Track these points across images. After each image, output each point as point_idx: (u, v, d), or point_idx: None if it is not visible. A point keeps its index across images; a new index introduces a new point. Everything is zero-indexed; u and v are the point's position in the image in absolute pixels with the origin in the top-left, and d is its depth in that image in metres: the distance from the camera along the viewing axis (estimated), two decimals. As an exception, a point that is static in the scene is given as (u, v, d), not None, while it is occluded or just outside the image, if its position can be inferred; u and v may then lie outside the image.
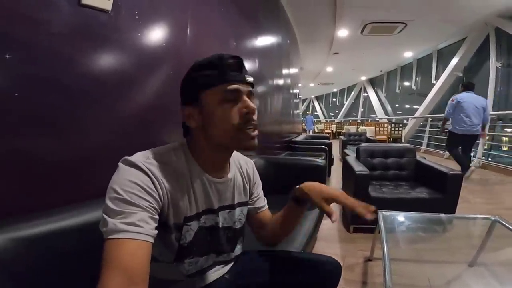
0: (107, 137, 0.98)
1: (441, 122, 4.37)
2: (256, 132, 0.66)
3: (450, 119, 4.04)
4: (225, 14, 1.97)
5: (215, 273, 0.77)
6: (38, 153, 0.76)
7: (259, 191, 0.87)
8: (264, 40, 3.21)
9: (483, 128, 3.99)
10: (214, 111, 0.62)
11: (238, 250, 0.84)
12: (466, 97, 3.91)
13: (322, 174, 2.11)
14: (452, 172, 2.16)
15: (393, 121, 11.06)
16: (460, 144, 4.01)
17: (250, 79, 0.66)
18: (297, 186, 0.78)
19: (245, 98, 0.64)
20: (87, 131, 0.91)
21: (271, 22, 3.66)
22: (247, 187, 0.81)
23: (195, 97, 0.64)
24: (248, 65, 0.65)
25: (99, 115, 0.95)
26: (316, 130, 14.93)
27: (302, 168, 2.19)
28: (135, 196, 0.54)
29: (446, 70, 8.27)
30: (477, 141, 4.48)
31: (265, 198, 0.90)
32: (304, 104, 24.65)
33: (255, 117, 0.65)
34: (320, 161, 2.14)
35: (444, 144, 5.55)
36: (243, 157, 0.85)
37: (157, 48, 1.22)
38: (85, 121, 0.90)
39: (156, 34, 1.21)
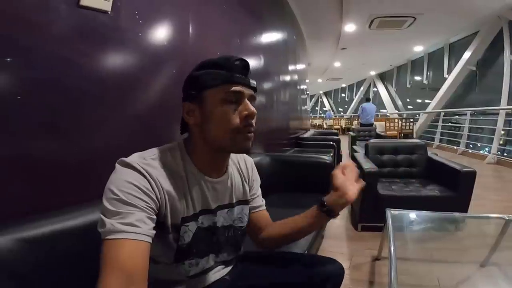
0: (111, 138, 0.98)
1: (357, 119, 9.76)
2: (252, 135, 0.66)
3: (360, 116, 7.92)
4: (228, 11, 1.95)
5: (216, 274, 0.77)
6: (42, 155, 0.77)
7: (256, 190, 0.85)
8: (269, 37, 3.18)
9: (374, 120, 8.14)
10: (214, 110, 0.62)
11: (239, 250, 0.83)
12: (367, 105, 7.81)
13: (328, 171, 2.07)
14: (465, 169, 2.07)
15: (404, 116, 10.86)
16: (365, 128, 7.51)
17: (253, 83, 0.67)
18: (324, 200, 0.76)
19: (247, 101, 0.64)
20: (91, 132, 0.91)
21: (276, 19, 3.62)
22: (246, 185, 0.80)
23: (197, 94, 0.64)
24: (253, 62, 0.66)
25: (103, 117, 0.95)
26: (325, 126, 14.83)
27: (309, 165, 2.16)
28: (132, 196, 0.54)
29: (458, 64, 8.05)
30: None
31: (263, 199, 0.88)
32: (313, 100, 24.46)
33: (253, 121, 0.65)
34: (327, 158, 2.11)
35: (458, 139, 7.26)
36: (241, 155, 0.83)
37: (159, 47, 1.21)
38: (89, 123, 0.90)
39: (157, 34, 1.20)
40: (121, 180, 0.55)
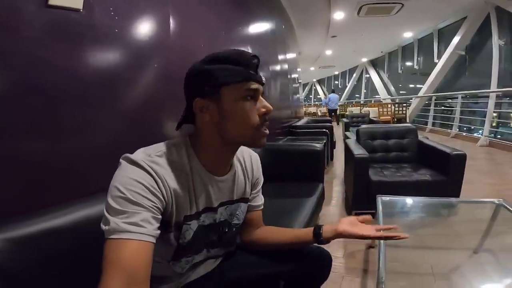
0: (95, 136, 0.96)
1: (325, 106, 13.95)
2: (267, 131, 0.67)
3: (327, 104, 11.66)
4: (210, 3, 1.90)
5: (206, 267, 0.77)
6: (25, 156, 0.76)
7: (258, 189, 0.84)
8: (256, 27, 3.12)
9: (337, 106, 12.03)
10: (233, 108, 0.62)
11: (232, 246, 0.83)
12: (332, 96, 11.50)
13: (320, 159, 2.08)
14: (455, 152, 2.06)
15: (397, 101, 10.93)
16: (332, 113, 11.60)
17: (264, 79, 0.68)
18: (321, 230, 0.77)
19: (262, 98, 0.66)
20: (73, 131, 0.89)
21: (262, 8, 3.56)
22: (248, 183, 0.79)
23: (213, 90, 0.61)
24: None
25: (85, 115, 0.93)
26: (319, 114, 14.90)
27: (300, 153, 2.16)
28: (139, 196, 0.53)
29: (447, 49, 8.12)
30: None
31: (263, 199, 0.87)
32: (306, 88, 24.41)
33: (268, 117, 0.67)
34: (318, 145, 2.10)
35: (450, 123, 7.32)
36: (247, 151, 0.82)
37: (138, 43, 1.18)
38: (70, 122, 0.88)
39: (135, 29, 1.17)
40: (127, 178, 0.54)
